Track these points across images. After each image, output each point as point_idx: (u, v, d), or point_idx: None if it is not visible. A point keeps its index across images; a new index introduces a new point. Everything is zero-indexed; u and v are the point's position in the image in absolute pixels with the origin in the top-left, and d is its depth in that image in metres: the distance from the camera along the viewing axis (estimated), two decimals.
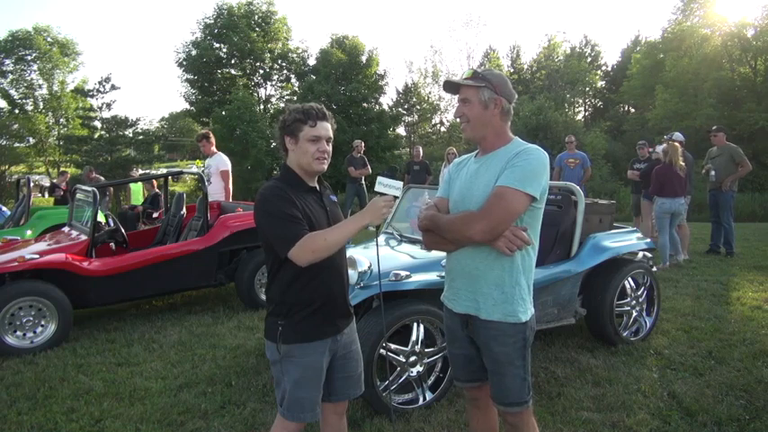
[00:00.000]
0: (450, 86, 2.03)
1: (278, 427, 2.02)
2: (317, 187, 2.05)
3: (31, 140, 25.33)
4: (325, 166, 2.00)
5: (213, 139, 6.92)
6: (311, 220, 1.92)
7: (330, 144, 2.00)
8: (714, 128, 7.79)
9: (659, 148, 7.90)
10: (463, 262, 1.99)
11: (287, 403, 1.97)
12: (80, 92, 25.32)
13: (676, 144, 6.73)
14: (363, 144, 11.00)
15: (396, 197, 1.93)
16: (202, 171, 6.82)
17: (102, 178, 10.49)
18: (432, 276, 3.15)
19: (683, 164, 6.62)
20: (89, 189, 5.14)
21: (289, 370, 1.96)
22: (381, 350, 2.87)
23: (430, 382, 3.18)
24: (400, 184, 1.98)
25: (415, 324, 3.07)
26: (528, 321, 1.94)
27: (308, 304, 1.95)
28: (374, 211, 1.89)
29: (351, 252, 3.31)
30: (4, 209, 9.01)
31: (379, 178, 1.97)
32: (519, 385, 1.95)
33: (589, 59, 32.79)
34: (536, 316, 2.04)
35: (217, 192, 6.55)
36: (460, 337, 2.08)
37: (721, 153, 7.34)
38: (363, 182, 10.73)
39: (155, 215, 8.89)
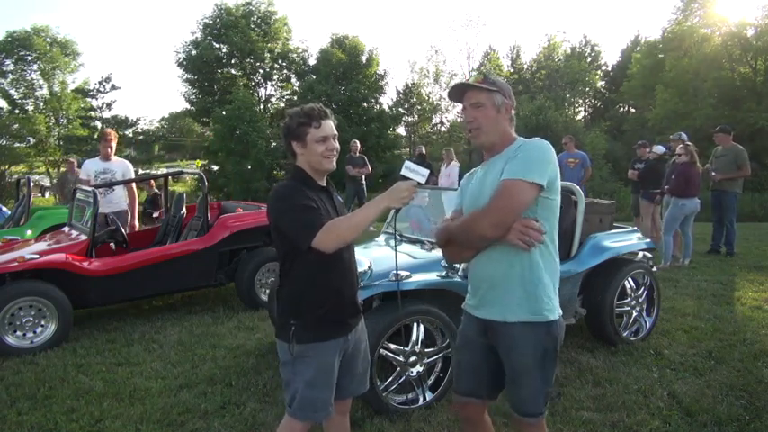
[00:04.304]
0: (456, 94, 2.00)
1: (285, 428, 2.02)
2: (327, 187, 2.07)
3: (32, 140, 25.24)
4: (335, 163, 2.02)
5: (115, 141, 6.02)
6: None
7: (336, 140, 2.01)
8: (717, 128, 7.66)
9: (656, 148, 7.91)
10: (484, 267, 1.95)
11: (298, 403, 1.96)
12: (81, 92, 25.30)
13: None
14: (359, 143, 11.00)
15: (420, 183, 1.87)
16: (100, 178, 5.87)
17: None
18: (432, 276, 3.15)
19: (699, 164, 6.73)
20: (89, 189, 5.14)
21: (301, 370, 1.95)
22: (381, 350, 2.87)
23: (430, 382, 3.18)
24: (427, 171, 1.92)
25: (415, 324, 3.07)
26: (555, 321, 1.89)
27: (320, 304, 1.96)
28: (395, 194, 1.85)
29: None
30: (4, 209, 8.99)
31: (407, 163, 1.93)
32: (534, 396, 1.91)
33: (589, 59, 32.74)
34: None
35: (121, 199, 5.96)
36: (475, 345, 2.03)
37: (726, 154, 7.26)
38: (364, 181, 10.71)
39: (155, 215, 8.89)
